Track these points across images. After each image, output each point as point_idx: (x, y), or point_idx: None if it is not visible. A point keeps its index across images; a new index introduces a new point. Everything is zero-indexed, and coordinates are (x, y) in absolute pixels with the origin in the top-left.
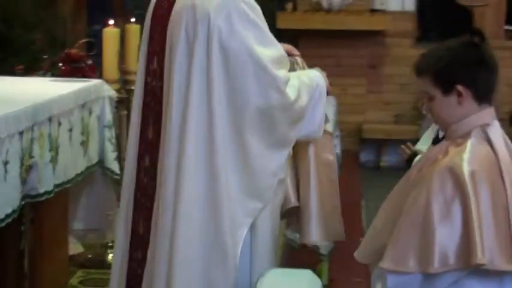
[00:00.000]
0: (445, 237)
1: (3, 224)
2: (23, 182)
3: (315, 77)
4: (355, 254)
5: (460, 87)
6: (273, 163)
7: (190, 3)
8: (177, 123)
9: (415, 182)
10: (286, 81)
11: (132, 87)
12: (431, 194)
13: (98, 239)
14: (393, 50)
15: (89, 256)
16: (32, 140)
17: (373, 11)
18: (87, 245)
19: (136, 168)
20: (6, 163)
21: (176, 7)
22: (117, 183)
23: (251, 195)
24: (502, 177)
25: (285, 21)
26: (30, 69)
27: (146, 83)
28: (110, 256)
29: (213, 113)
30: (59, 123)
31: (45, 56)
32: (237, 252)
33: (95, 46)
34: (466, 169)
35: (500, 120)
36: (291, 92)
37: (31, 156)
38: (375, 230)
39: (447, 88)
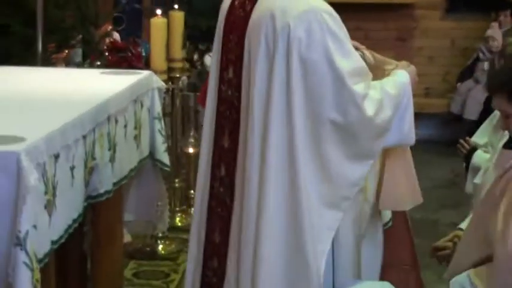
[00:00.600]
0: None
1: (71, 230)
2: (86, 184)
3: (401, 81)
4: (445, 276)
5: None
6: (354, 174)
7: (270, 14)
8: (259, 134)
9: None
10: (364, 96)
11: (177, 75)
12: None
13: (148, 229)
14: (422, 22)
15: (139, 246)
16: (93, 142)
17: None
18: (135, 235)
19: (210, 177)
20: (73, 168)
21: (254, 17)
22: (168, 174)
23: (330, 205)
24: None
25: None
26: (61, 47)
27: (220, 91)
28: (160, 247)
29: (293, 125)
30: (116, 121)
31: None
32: (321, 265)
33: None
34: None
35: None
36: (369, 107)
37: (93, 158)
38: (460, 251)
39: None
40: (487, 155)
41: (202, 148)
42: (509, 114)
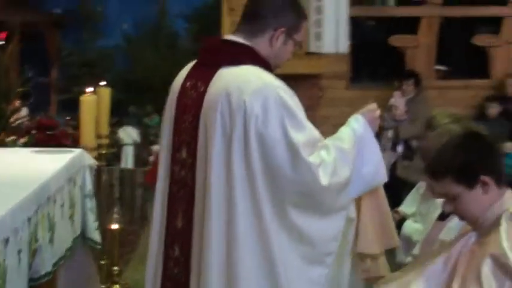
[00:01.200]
0: None
1: None
2: (30, 267)
3: (353, 127)
4: None
5: (485, 178)
6: (329, 230)
7: (225, 92)
8: (220, 212)
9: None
10: (319, 164)
11: (104, 151)
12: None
13: None
14: (328, 91)
15: None
16: (36, 223)
17: (309, 54)
18: None
19: (163, 257)
20: (20, 252)
21: (208, 96)
22: (99, 252)
23: (315, 263)
24: None
25: None
26: None
27: (173, 172)
28: None
29: (258, 200)
30: (54, 201)
31: None
32: None
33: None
34: (510, 256)
35: None
36: (325, 174)
37: (36, 240)
38: None
39: (471, 182)
40: (417, 225)
41: (153, 229)
42: (457, 194)
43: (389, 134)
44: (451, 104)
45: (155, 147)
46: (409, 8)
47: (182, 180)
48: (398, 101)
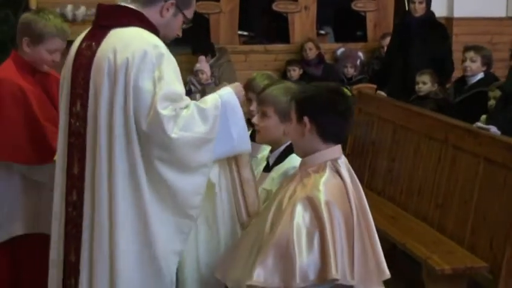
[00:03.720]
0: (306, 258)
1: None
2: None
3: (221, 94)
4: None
5: (306, 119)
6: (190, 186)
7: (112, 49)
8: (106, 159)
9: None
10: (172, 117)
11: None
12: (294, 221)
13: None
14: None
15: None
16: None
17: None
18: None
19: (65, 203)
20: None
21: (99, 53)
22: None
23: (180, 214)
24: (351, 205)
25: None
26: None
27: (70, 125)
28: None
29: (132, 154)
30: None
31: None
32: (172, 265)
33: None
34: (322, 199)
35: None
36: (174, 128)
37: None
38: (237, 250)
39: (298, 117)
40: None
41: (56, 178)
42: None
43: (198, 97)
44: (255, 67)
45: None
46: None
47: (77, 130)
48: (203, 65)
